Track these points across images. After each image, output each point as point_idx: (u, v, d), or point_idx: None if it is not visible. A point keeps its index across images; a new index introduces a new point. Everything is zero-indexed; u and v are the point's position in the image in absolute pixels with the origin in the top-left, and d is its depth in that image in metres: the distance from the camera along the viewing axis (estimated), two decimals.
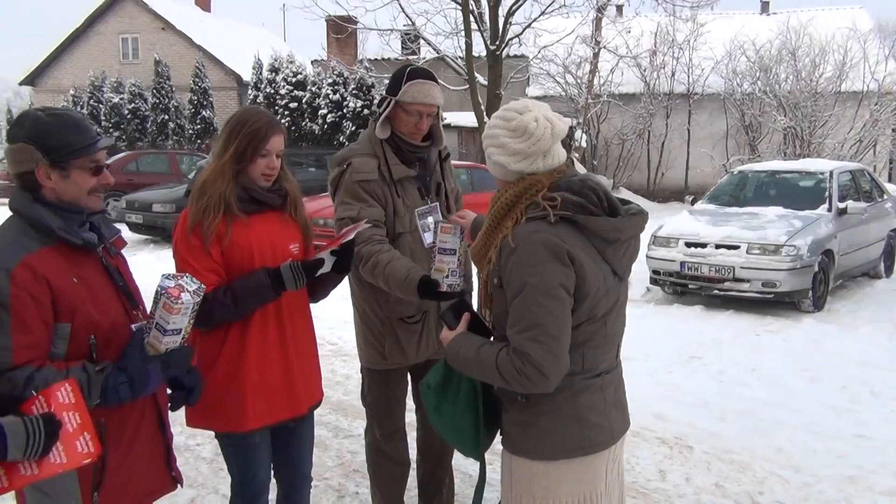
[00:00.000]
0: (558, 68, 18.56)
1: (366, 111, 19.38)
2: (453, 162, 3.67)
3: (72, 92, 27.07)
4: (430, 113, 3.03)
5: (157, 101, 24.91)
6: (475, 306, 2.30)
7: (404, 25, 17.23)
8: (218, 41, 30.27)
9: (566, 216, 1.98)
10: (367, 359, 3.25)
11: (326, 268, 2.61)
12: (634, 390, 5.21)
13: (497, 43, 15.48)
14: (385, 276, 2.86)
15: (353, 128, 19.52)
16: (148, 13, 30.05)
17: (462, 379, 2.22)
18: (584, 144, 17.43)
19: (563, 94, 18.87)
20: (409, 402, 3.39)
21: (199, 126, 25.00)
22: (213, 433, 2.73)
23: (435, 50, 16.83)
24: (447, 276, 2.75)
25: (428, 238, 3.00)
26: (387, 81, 9.06)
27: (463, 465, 4.24)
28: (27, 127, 2.03)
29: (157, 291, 2.05)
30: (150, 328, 2.06)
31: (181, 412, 2.53)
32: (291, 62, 20.82)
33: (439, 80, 3.22)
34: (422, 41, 17.55)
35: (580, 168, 3.19)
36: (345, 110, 19.64)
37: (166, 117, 24.75)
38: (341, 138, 19.38)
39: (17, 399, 1.82)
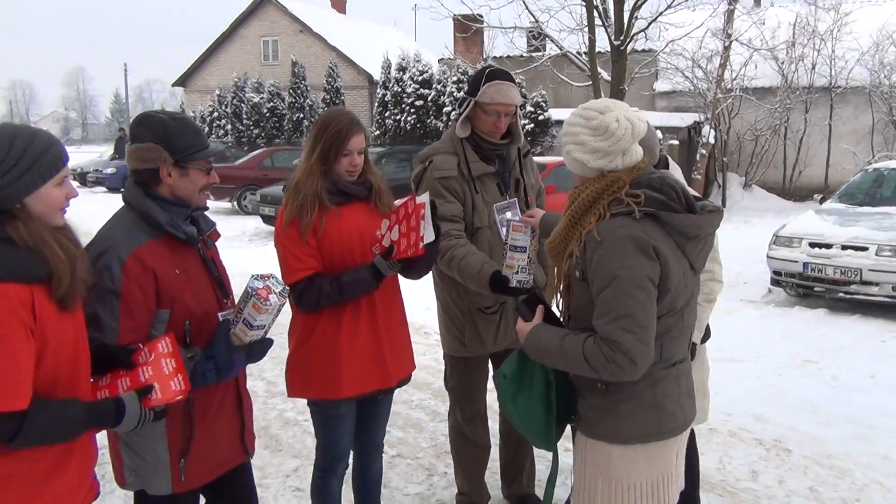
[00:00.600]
0: (687, 62, 17.97)
1: None
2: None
3: (217, 92, 28.86)
4: (509, 112, 3.18)
5: (294, 100, 26.14)
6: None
7: (530, 23, 17.28)
8: (351, 42, 31.41)
9: (650, 212, 2.07)
10: (448, 346, 3.42)
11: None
12: (739, 392, 5.17)
13: (622, 38, 15.22)
14: (460, 270, 3.04)
15: None
16: (288, 17, 31.58)
17: (536, 370, 2.32)
18: (711, 140, 16.78)
19: (693, 88, 18.27)
20: (492, 387, 3.54)
21: None
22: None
23: (558, 47, 16.75)
24: (517, 273, 2.87)
25: (505, 232, 3.14)
26: None
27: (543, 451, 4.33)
28: (155, 129, 2.28)
29: (247, 291, 2.25)
30: (238, 321, 2.27)
31: (283, 386, 2.83)
32: (418, 61, 21.29)
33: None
34: (546, 38, 17.51)
35: (675, 168, 3.22)
36: None
37: (301, 115, 25.93)
38: None
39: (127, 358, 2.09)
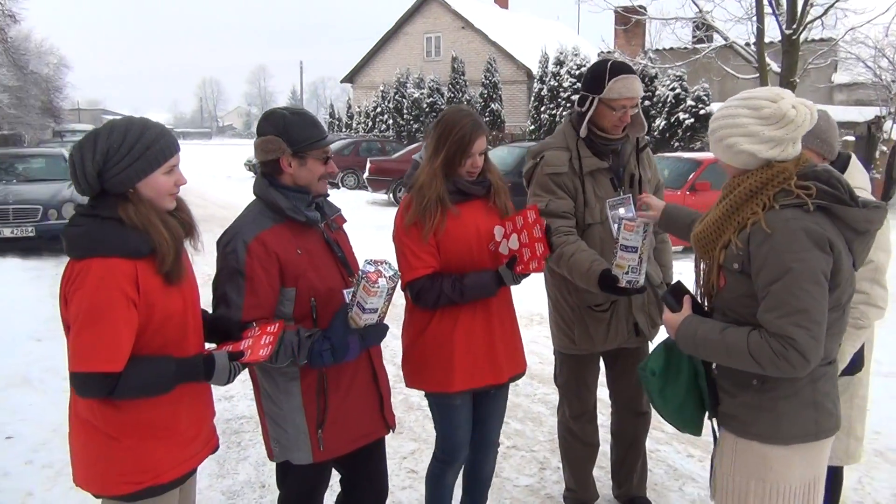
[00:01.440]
0: (870, 51, 16.56)
1: (647, 102, 18.98)
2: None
3: (381, 88, 30.02)
4: (634, 105, 3.11)
5: (452, 95, 26.70)
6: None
7: (697, 13, 16.59)
8: (512, 37, 31.55)
9: (822, 205, 2.00)
10: (558, 342, 3.41)
11: None
12: (894, 409, 4.73)
13: (794, 27, 14.27)
14: (569, 267, 3.02)
15: None
16: (450, 13, 32.22)
17: (682, 362, 2.32)
18: (895, 137, 15.37)
19: (877, 79, 16.82)
20: (602, 382, 3.49)
21: (487, 118, 26.34)
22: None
23: (723, 38, 15.96)
24: (627, 273, 2.82)
25: (617, 229, 3.06)
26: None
27: (658, 452, 4.21)
28: (276, 123, 2.47)
29: (359, 275, 2.35)
30: (353, 305, 2.37)
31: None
32: (576, 55, 21.10)
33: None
34: (711, 28, 16.72)
35: (857, 167, 2.95)
36: None
37: None
38: None
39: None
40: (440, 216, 2.79)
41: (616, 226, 2.92)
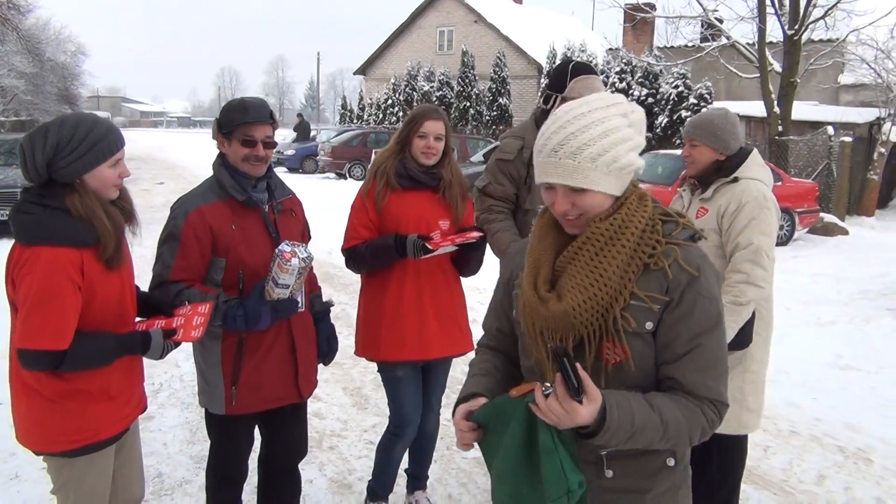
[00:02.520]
0: (875, 53, 16.55)
1: (650, 99, 19.11)
2: None
3: (392, 80, 30.23)
4: None
5: (461, 88, 26.87)
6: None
7: (701, 13, 16.70)
8: (524, 32, 31.64)
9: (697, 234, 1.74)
10: None
11: (440, 251, 3.01)
12: (839, 400, 4.98)
13: (796, 27, 14.37)
14: (491, 241, 3.29)
15: None
16: (464, 7, 32.35)
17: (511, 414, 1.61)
18: (892, 138, 15.38)
19: (881, 81, 16.80)
20: None
21: (495, 113, 26.52)
22: None
23: (726, 36, 16.07)
24: None
25: None
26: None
27: None
28: (224, 109, 2.73)
29: (275, 253, 2.55)
30: (269, 280, 2.59)
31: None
32: (583, 51, 21.23)
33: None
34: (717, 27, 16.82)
35: (758, 163, 3.17)
36: (629, 98, 19.50)
37: (468, 104, 26.63)
38: None
39: (171, 305, 2.52)
40: (384, 190, 3.06)
41: None
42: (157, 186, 19.90)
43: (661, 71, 18.56)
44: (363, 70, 36.77)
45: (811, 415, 4.84)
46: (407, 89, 28.81)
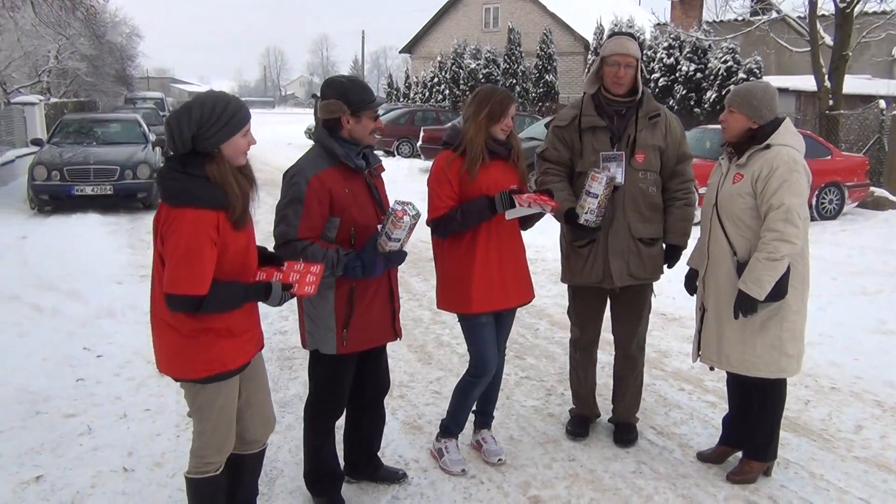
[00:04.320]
0: None
1: (698, 75, 19.05)
2: None
3: (438, 59, 30.44)
4: (628, 63, 3.69)
5: (508, 66, 26.99)
6: None
7: None
8: (570, 8, 31.51)
9: None
10: (560, 274, 4.08)
11: (521, 212, 3.42)
12: (885, 364, 5.16)
13: (848, 0, 14.24)
14: None
15: (684, 91, 19.32)
16: None
17: None
18: None
19: None
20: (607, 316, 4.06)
21: (541, 90, 26.60)
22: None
23: (776, 10, 15.97)
24: (586, 213, 3.52)
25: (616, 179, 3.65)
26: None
27: (653, 386, 4.77)
28: (336, 88, 3.12)
29: (389, 211, 2.98)
30: (381, 234, 3.02)
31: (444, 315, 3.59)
32: (630, 27, 21.18)
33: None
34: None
35: (791, 132, 3.49)
36: (677, 74, 19.54)
37: (514, 81, 26.75)
38: (671, 102, 19.34)
39: (318, 260, 2.92)
40: (481, 164, 3.42)
41: (604, 177, 3.51)
42: None
43: (709, 46, 18.49)
44: (409, 48, 37.07)
45: (852, 373, 5.09)
46: (453, 67, 29.00)
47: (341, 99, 3.08)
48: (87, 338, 5.66)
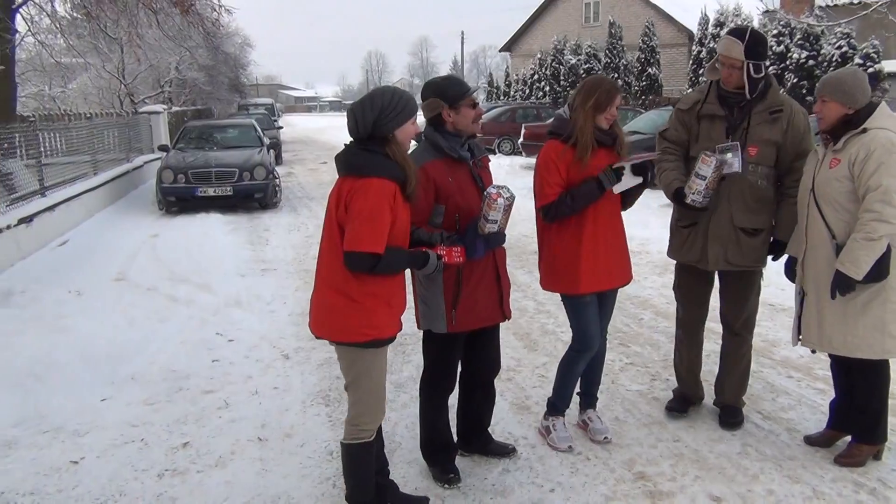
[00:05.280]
0: None
1: (810, 62, 18.31)
2: None
3: (538, 56, 30.47)
4: (731, 64, 3.79)
5: (609, 60, 26.73)
6: None
7: None
8: None
9: None
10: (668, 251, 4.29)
11: (627, 183, 3.63)
12: None
13: None
14: (660, 176, 3.91)
15: (796, 79, 18.58)
16: None
17: None
18: None
19: None
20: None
21: (644, 83, 26.19)
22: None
23: None
24: (693, 194, 3.69)
25: (730, 167, 3.73)
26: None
27: (760, 373, 4.78)
28: (434, 88, 3.41)
29: (485, 195, 3.22)
30: (481, 218, 3.26)
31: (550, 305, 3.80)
32: (737, 15, 20.60)
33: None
34: None
35: (888, 114, 3.52)
36: (788, 62, 18.82)
37: (616, 75, 26.46)
38: (781, 91, 18.58)
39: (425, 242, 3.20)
40: (590, 149, 3.60)
41: (714, 160, 3.67)
42: (322, 166, 21.41)
43: (822, 31, 17.77)
44: (508, 47, 37.22)
45: None
46: (553, 63, 28.96)
47: (439, 96, 3.35)
48: (219, 324, 6.18)
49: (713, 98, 3.91)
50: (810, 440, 3.89)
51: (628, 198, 3.81)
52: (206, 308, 6.66)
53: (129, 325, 6.11)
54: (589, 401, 4.13)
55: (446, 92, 3.36)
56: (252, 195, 12.94)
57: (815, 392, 4.56)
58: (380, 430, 3.31)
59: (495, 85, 35.57)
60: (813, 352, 3.77)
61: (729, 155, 3.71)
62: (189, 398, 4.72)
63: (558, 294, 3.92)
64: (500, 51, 39.35)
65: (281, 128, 26.25)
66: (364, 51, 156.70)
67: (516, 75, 33.05)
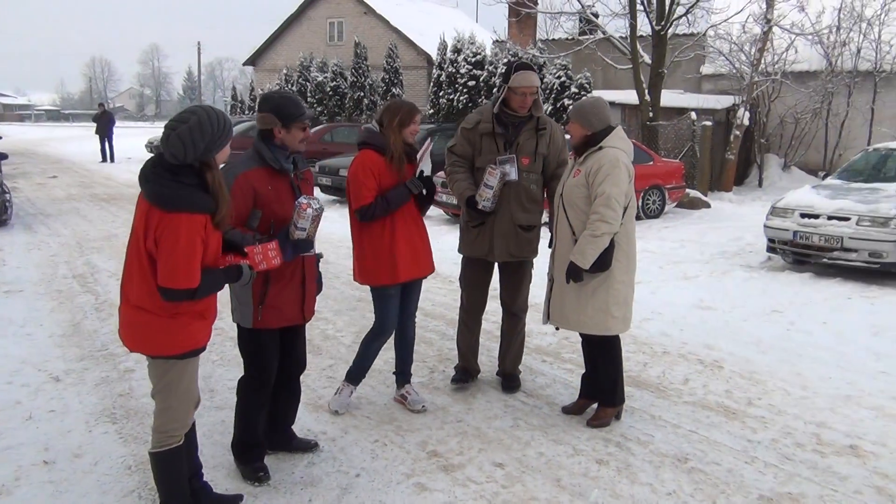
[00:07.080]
0: (731, 46, 18.55)
1: None
2: None
3: (284, 71, 30.43)
4: (532, 93, 4.54)
5: (355, 79, 27.50)
6: None
7: (580, 9, 18.20)
8: (413, 23, 32.54)
9: None
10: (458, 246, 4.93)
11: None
12: (702, 330, 6.27)
13: (662, 23, 16.02)
14: (452, 187, 4.59)
15: None
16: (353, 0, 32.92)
17: None
18: (745, 122, 17.38)
19: (735, 71, 18.81)
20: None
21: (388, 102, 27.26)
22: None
23: (602, 31, 17.63)
24: (484, 201, 4.45)
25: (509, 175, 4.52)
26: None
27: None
28: (271, 104, 3.59)
29: (296, 204, 3.47)
30: (292, 225, 3.50)
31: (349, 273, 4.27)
32: (472, 42, 22.29)
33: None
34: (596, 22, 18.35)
35: (621, 138, 4.32)
36: None
37: (362, 94, 27.30)
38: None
39: (237, 244, 3.31)
40: (401, 162, 4.15)
41: (498, 172, 4.43)
42: (51, 180, 19.64)
43: (544, 62, 19.95)
44: (252, 61, 36.68)
45: (679, 340, 6.10)
46: (300, 80, 29.14)
47: (274, 113, 3.58)
48: None
49: (489, 118, 4.60)
50: (566, 409, 4.62)
51: (423, 206, 4.41)
52: None
53: None
54: (404, 378, 4.69)
55: (282, 111, 3.58)
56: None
57: (565, 371, 5.37)
58: (192, 434, 3.41)
59: (239, 99, 34.81)
60: (557, 329, 4.60)
61: (507, 166, 4.49)
62: None
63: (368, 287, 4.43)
64: (243, 64, 38.66)
65: (0, 137, 23.52)
66: (87, 56, 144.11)
67: (261, 90, 32.66)
